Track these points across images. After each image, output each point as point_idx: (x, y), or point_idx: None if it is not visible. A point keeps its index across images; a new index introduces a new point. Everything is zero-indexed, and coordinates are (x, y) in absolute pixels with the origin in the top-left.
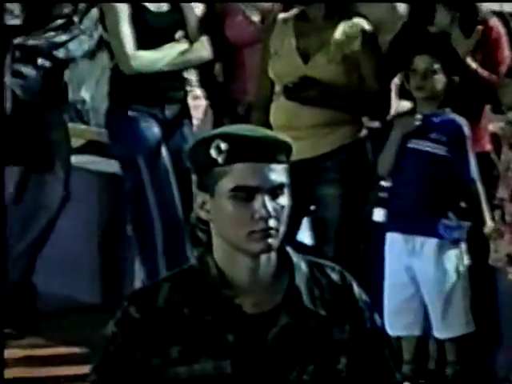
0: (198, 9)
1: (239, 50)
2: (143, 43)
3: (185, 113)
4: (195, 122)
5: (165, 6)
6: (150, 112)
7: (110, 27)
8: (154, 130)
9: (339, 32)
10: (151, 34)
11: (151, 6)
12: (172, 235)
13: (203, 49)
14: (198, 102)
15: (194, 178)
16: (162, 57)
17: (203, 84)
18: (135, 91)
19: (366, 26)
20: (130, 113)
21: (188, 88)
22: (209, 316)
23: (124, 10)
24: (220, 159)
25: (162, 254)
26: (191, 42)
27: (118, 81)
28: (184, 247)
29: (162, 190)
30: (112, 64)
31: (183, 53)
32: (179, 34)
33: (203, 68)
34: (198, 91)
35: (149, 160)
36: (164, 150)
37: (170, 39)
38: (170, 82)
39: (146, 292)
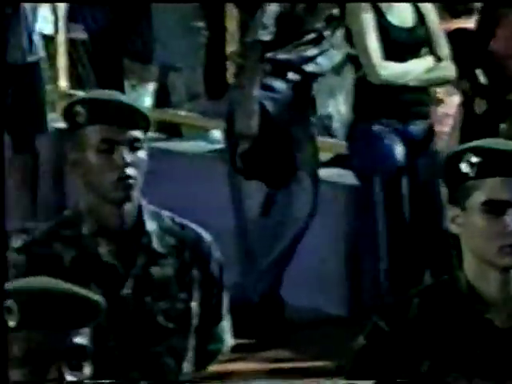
0: (441, 24)
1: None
2: (387, 56)
3: (430, 129)
4: (443, 137)
5: (409, 22)
6: (395, 127)
7: (357, 37)
8: (396, 148)
9: None
10: (395, 47)
11: (394, 20)
12: (397, 258)
13: (449, 68)
14: (444, 117)
15: (445, 191)
16: (410, 70)
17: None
18: (381, 104)
19: None
20: (374, 127)
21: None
22: (460, 331)
23: (370, 20)
24: (471, 173)
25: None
26: (438, 59)
27: (363, 93)
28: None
29: (393, 212)
30: (358, 75)
31: (429, 70)
32: (424, 50)
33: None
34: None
35: (385, 180)
36: (403, 171)
37: (415, 55)
38: (416, 97)
39: (396, 305)
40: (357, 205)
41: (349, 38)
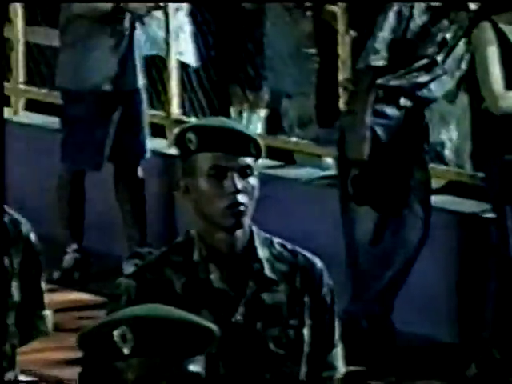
0: None
1: None
2: (509, 85)
3: None
4: None
5: None
6: None
7: (480, 65)
8: None
9: None
10: None
11: None
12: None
13: None
14: None
15: None
16: None
17: None
18: (503, 134)
19: None
20: (506, 157)
21: None
22: None
23: (494, 47)
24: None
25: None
26: None
27: (482, 122)
28: None
29: None
30: (477, 105)
31: None
32: None
33: None
34: None
35: None
36: None
37: None
38: None
39: (506, 333)
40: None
41: (472, 63)
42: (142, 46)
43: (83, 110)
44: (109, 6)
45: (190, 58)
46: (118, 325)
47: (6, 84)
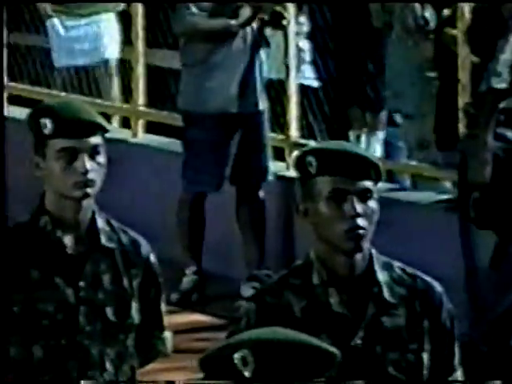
0: None
1: None
2: None
3: None
4: None
5: None
6: None
7: None
8: None
9: None
10: None
11: None
12: None
13: None
14: None
15: None
16: None
17: None
18: None
19: None
20: None
21: None
22: None
23: None
24: None
25: None
26: None
27: None
28: None
29: None
30: None
31: None
32: None
33: None
34: None
35: None
36: None
37: None
38: None
39: None
40: None
41: None
42: (263, 69)
43: (204, 131)
44: (218, 22)
45: (310, 80)
46: (238, 348)
47: (125, 106)
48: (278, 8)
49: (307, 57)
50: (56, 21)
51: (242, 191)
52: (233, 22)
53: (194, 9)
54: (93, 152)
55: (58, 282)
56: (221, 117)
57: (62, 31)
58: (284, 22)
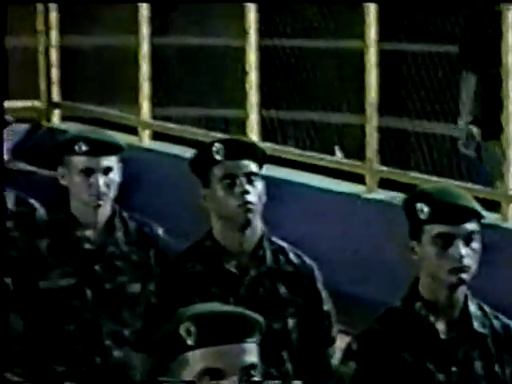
0: None
1: None
2: None
3: None
4: None
5: None
6: None
7: None
8: None
9: None
10: None
11: None
12: None
13: None
14: None
15: None
16: None
17: None
18: None
19: None
20: None
21: None
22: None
23: None
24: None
25: None
26: None
27: None
28: None
29: None
30: None
31: None
32: None
33: None
34: None
35: None
36: None
37: None
38: None
39: None
40: None
41: None
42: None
43: None
44: None
45: None
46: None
47: None
48: None
49: None
50: None
51: None
52: None
53: None
54: (468, 238)
55: (429, 367)
56: None
57: None
58: None
